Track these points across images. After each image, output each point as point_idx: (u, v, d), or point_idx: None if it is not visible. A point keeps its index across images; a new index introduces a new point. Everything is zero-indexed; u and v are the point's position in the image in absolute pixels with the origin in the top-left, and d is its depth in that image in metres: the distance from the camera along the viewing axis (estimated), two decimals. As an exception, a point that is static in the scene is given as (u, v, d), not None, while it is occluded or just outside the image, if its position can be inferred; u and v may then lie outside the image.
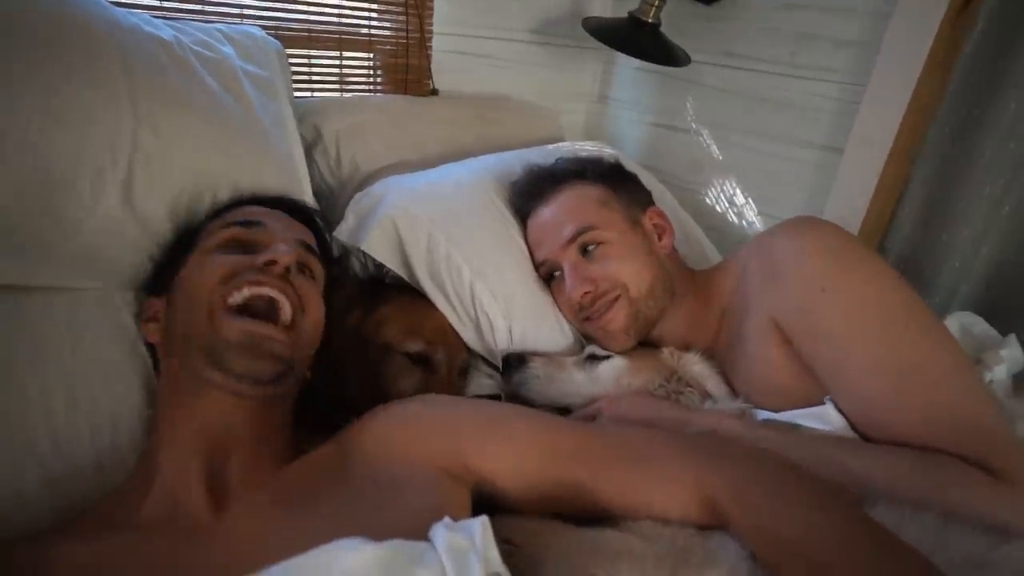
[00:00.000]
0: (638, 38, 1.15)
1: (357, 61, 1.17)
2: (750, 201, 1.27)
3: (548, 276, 0.90)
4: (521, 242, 0.91)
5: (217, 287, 0.56)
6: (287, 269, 0.58)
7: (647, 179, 1.05)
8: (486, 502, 0.54)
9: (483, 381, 0.89)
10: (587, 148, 1.15)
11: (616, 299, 0.83)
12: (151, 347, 0.64)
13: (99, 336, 0.66)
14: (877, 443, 0.63)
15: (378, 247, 0.84)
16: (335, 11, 1.09)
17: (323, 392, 0.70)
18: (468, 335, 0.86)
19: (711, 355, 0.83)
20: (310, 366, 0.67)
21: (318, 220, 0.77)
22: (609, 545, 0.51)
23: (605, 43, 1.19)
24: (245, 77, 0.80)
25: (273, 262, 0.58)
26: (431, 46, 1.20)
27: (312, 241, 0.69)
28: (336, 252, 0.89)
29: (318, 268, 0.66)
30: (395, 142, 1.06)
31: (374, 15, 1.14)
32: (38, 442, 0.58)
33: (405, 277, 0.86)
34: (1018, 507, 0.54)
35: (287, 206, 0.72)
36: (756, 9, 1.18)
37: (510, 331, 0.86)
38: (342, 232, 0.87)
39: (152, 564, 0.48)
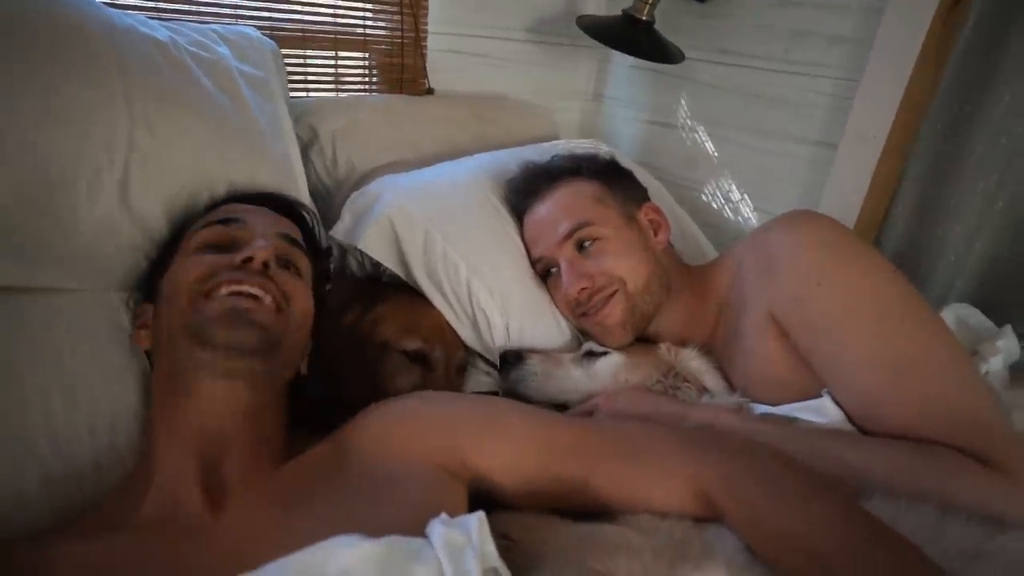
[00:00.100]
0: (632, 36, 1.15)
1: (352, 61, 1.17)
2: (745, 197, 1.27)
3: (545, 273, 0.90)
4: (517, 239, 0.92)
5: (195, 286, 0.56)
6: (265, 265, 0.58)
7: (643, 176, 1.05)
8: (483, 498, 0.54)
9: (481, 378, 0.89)
10: (582, 146, 1.15)
11: (613, 294, 0.83)
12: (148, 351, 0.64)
13: (97, 337, 0.66)
14: (874, 436, 0.63)
15: (375, 246, 0.84)
16: (330, 11, 1.09)
17: (321, 391, 0.71)
18: (465, 333, 0.86)
19: (708, 350, 0.83)
20: (307, 364, 0.67)
21: (305, 213, 0.76)
22: (607, 539, 0.51)
23: (599, 41, 1.19)
24: (241, 77, 0.81)
25: (250, 259, 0.57)
26: (426, 45, 1.20)
27: (297, 234, 0.69)
28: (334, 251, 0.89)
29: (303, 262, 0.66)
30: (391, 141, 1.06)
31: (369, 15, 1.15)
32: (38, 442, 0.58)
33: (402, 275, 0.86)
34: (1014, 498, 0.54)
35: (271, 201, 0.72)
36: (750, 6, 1.18)
37: (507, 328, 0.86)
38: (339, 231, 0.87)
39: (151, 563, 0.48)
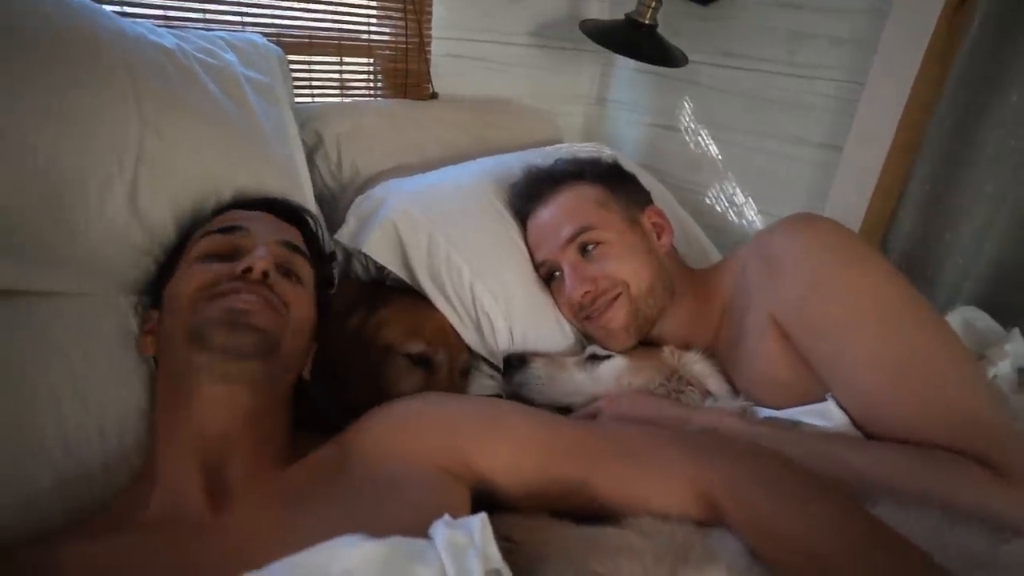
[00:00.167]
0: (635, 40, 1.16)
1: (357, 66, 1.18)
2: (750, 200, 1.27)
3: (548, 276, 0.90)
4: (521, 243, 0.92)
5: (197, 295, 0.57)
6: (265, 274, 0.58)
7: (646, 179, 1.05)
8: (486, 500, 0.55)
9: (484, 382, 0.89)
10: (585, 149, 1.16)
11: (616, 297, 0.83)
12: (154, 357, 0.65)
13: (107, 341, 0.66)
14: (878, 439, 0.63)
15: (379, 249, 0.85)
16: (335, 18, 1.10)
17: (325, 394, 0.71)
18: (469, 336, 0.86)
19: (712, 353, 0.83)
20: (311, 369, 0.67)
21: (308, 218, 0.77)
22: (609, 541, 0.51)
23: (602, 45, 1.19)
24: (247, 83, 0.82)
25: (250, 269, 0.58)
26: (430, 50, 1.21)
27: (299, 240, 0.69)
28: (338, 255, 0.90)
29: (304, 269, 0.66)
30: (395, 146, 1.07)
31: (373, 21, 1.16)
32: (49, 444, 0.59)
33: (406, 279, 0.87)
34: (1019, 504, 0.54)
35: (275, 207, 0.73)
36: (752, 9, 1.18)
37: (511, 332, 0.86)
38: (343, 235, 0.88)
39: (157, 563, 0.48)
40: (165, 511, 0.52)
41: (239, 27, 0.98)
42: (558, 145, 1.21)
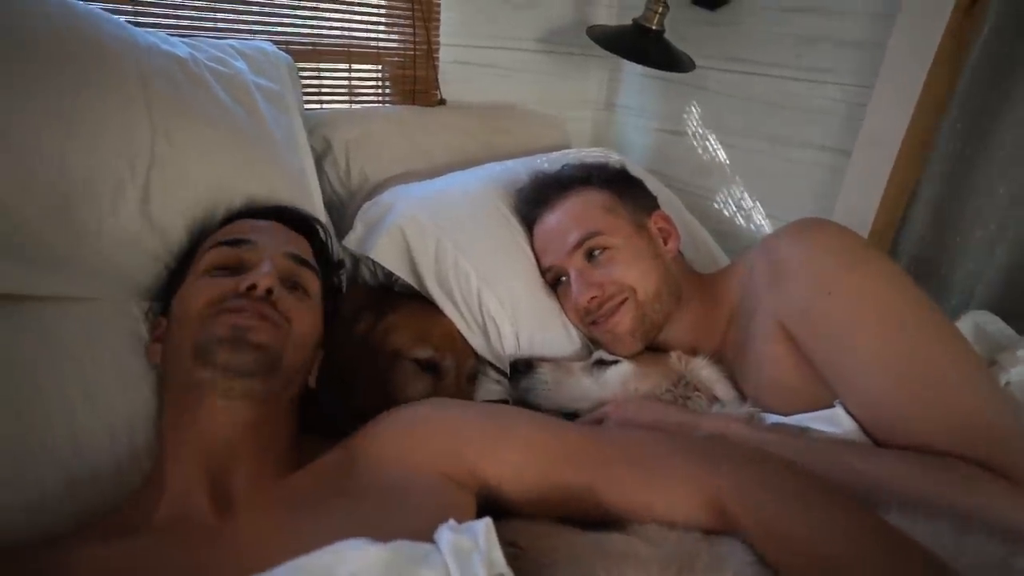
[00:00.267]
0: (643, 45, 1.16)
1: (366, 73, 1.20)
2: (757, 204, 1.27)
3: (555, 282, 0.90)
4: (528, 249, 0.92)
5: (204, 311, 0.57)
6: (268, 291, 0.59)
7: (653, 184, 1.05)
8: (491, 506, 0.55)
9: (491, 387, 0.89)
10: (593, 154, 1.16)
11: (623, 302, 0.83)
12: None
13: (117, 346, 0.67)
14: (887, 446, 0.62)
15: (387, 255, 0.85)
16: (344, 25, 1.11)
17: (332, 400, 0.72)
18: (476, 341, 0.87)
19: (719, 359, 0.83)
20: (316, 377, 0.67)
21: (317, 227, 0.77)
22: (615, 548, 0.51)
23: (610, 51, 1.20)
24: (257, 91, 0.83)
25: (253, 286, 0.58)
26: (438, 57, 1.22)
27: (307, 251, 0.70)
28: (347, 261, 0.90)
29: (312, 281, 0.66)
30: (403, 152, 1.07)
31: (382, 28, 1.17)
32: (60, 446, 0.60)
33: (413, 284, 0.87)
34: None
35: (283, 215, 0.73)
36: (760, 13, 1.18)
37: (517, 337, 0.86)
38: (351, 241, 0.89)
39: (166, 566, 0.49)
40: (174, 515, 0.53)
41: (249, 35, 1.00)
42: (565, 151, 1.21)
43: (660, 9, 1.13)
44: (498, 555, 0.41)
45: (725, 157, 1.31)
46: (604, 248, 0.84)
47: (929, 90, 0.97)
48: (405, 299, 0.88)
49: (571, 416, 0.82)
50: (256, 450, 0.56)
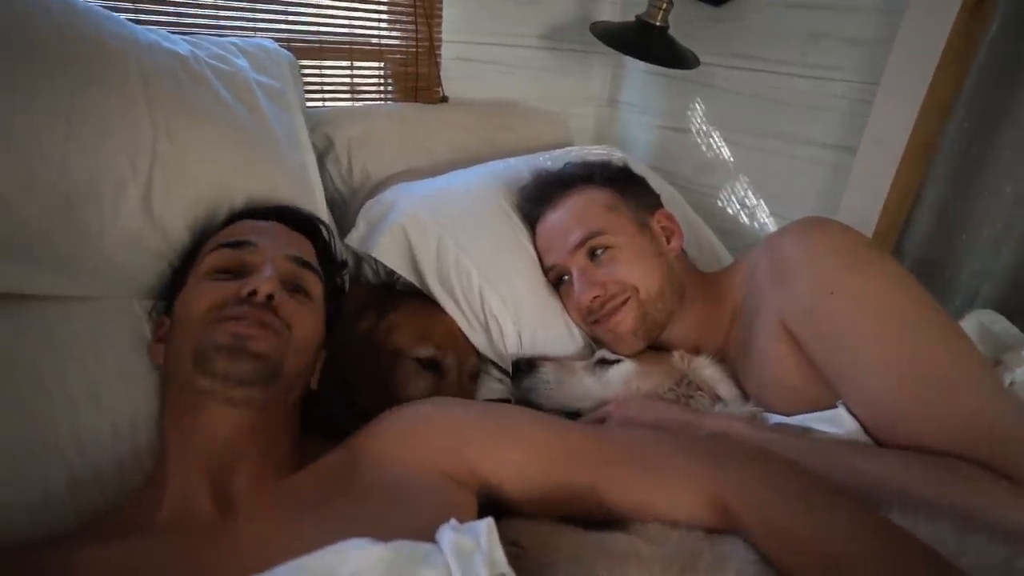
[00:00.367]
0: (646, 42, 1.15)
1: (368, 70, 1.19)
2: (762, 202, 1.26)
3: (557, 281, 0.90)
4: (530, 247, 0.92)
5: (207, 315, 0.57)
6: (270, 296, 0.58)
7: (656, 182, 1.05)
8: (493, 505, 0.55)
9: (493, 386, 0.89)
10: (596, 152, 1.15)
11: (626, 301, 0.82)
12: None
13: (120, 345, 0.67)
14: (890, 447, 0.62)
15: (388, 253, 0.85)
16: (346, 22, 1.11)
17: (334, 399, 0.72)
18: (478, 340, 0.86)
19: (722, 358, 0.83)
20: (318, 378, 0.67)
21: (320, 227, 0.77)
22: (617, 547, 0.51)
23: (613, 47, 1.19)
24: (258, 89, 0.82)
25: (254, 292, 0.58)
26: (440, 54, 1.22)
27: (309, 252, 0.69)
28: (350, 260, 0.90)
29: (314, 284, 0.66)
30: (405, 149, 1.07)
31: (384, 25, 1.16)
32: (63, 445, 0.60)
33: (415, 283, 0.87)
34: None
35: (285, 216, 0.73)
36: (765, 9, 1.17)
37: (519, 335, 0.86)
38: (353, 239, 0.88)
39: (169, 566, 0.49)
40: (176, 515, 0.53)
41: (250, 32, 0.99)
42: (568, 148, 1.21)
43: (664, 5, 1.12)
44: (500, 555, 0.41)
45: (729, 154, 1.30)
46: (607, 247, 0.84)
47: (935, 88, 0.96)
48: (407, 297, 0.87)
49: (573, 415, 0.82)
50: (258, 452, 0.56)
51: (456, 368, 0.81)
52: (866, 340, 0.63)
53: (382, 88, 1.22)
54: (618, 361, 0.84)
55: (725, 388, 0.79)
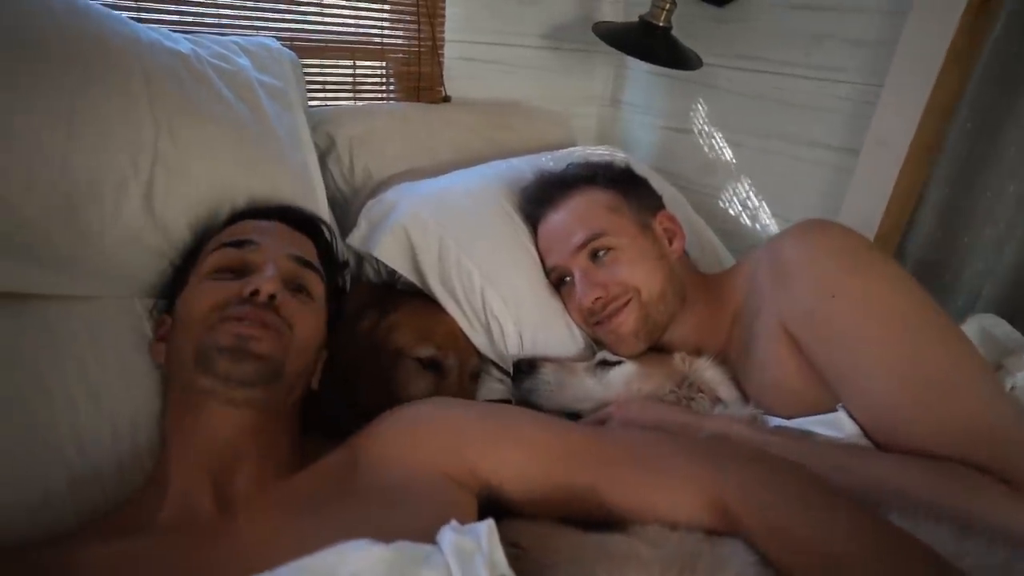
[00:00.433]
0: (649, 42, 1.15)
1: (370, 69, 1.19)
2: (764, 204, 1.26)
3: (559, 282, 0.90)
4: (532, 248, 0.92)
5: (209, 315, 0.57)
6: (272, 296, 0.58)
7: (659, 183, 1.05)
8: (493, 506, 0.55)
9: (494, 386, 0.89)
10: (598, 153, 1.15)
11: (627, 302, 0.82)
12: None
13: (120, 344, 0.67)
14: (890, 451, 0.62)
15: (390, 253, 0.85)
16: (348, 21, 1.11)
17: (336, 399, 0.72)
18: (479, 340, 0.86)
19: (723, 360, 0.82)
20: (320, 379, 0.67)
21: (322, 227, 0.77)
22: (616, 549, 0.51)
23: (616, 48, 1.19)
24: (260, 88, 0.82)
25: (256, 292, 0.58)
26: (443, 53, 1.22)
27: (311, 252, 0.69)
28: (351, 260, 0.90)
29: (315, 283, 0.66)
30: (407, 149, 1.07)
31: (386, 24, 1.16)
32: (63, 444, 0.60)
33: (417, 283, 0.87)
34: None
35: (287, 215, 0.73)
36: (769, 10, 1.17)
37: (520, 336, 0.86)
38: (355, 239, 0.88)
39: (170, 566, 0.49)
40: (176, 515, 0.53)
41: (252, 31, 0.99)
42: (571, 148, 1.20)
43: (667, 5, 1.11)
44: (500, 556, 0.41)
45: (731, 155, 1.30)
46: (608, 248, 0.83)
47: (939, 89, 0.96)
48: (408, 297, 0.87)
49: (574, 417, 0.82)
50: (259, 452, 0.56)
51: (457, 368, 0.81)
52: (867, 343, 0.63)
53: (384, 87, 1.22)
54: (619, 362, 0.84)
55: (726, 390, 0.79)
